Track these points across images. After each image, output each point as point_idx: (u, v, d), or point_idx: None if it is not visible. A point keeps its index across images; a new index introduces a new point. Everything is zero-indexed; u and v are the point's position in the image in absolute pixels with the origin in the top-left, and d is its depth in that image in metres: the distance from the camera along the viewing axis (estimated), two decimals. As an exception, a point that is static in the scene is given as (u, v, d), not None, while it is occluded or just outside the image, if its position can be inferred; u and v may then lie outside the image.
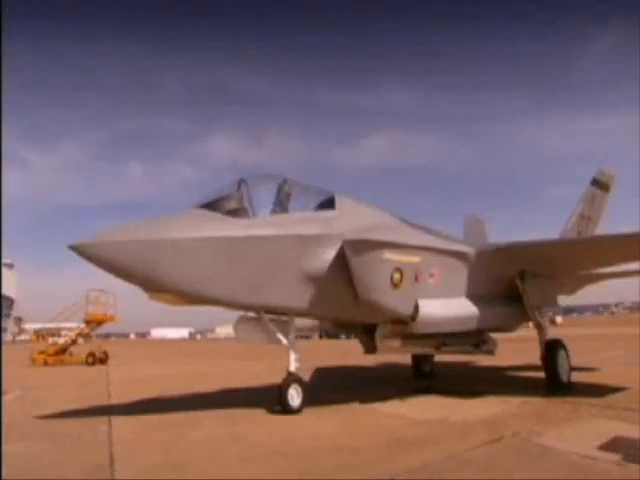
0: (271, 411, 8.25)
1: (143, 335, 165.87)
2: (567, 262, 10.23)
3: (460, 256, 9.15)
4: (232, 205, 7.91)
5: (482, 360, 16.25)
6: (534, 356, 13.92)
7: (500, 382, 11.77)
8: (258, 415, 8.17)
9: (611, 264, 11.22)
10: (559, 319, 68.65)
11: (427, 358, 13.12)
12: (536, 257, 9.55)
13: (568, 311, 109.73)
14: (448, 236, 10.01)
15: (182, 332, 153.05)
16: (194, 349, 46.15)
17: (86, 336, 25.15)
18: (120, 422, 7.96)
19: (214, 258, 7.30)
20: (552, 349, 9.75)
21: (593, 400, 8.08)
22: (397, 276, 8.11)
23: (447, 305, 8.73)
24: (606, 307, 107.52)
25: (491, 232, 14.86)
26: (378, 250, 7.87)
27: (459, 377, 13.30)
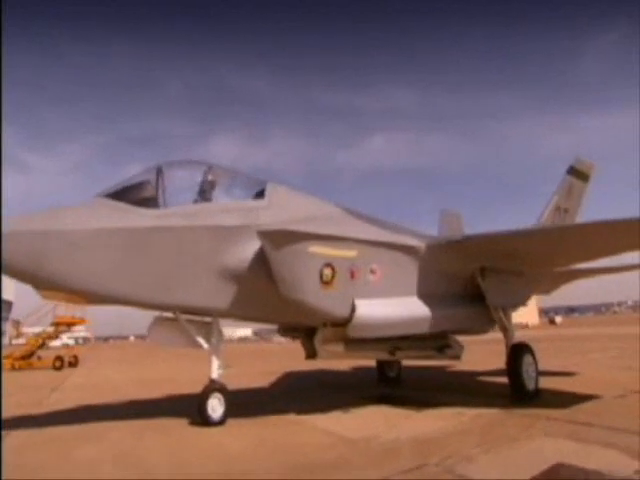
0: (194, 422, 7.51)
1: (143, 338, 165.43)
2: (535, 257, 9.09)
3: (407, 250, 8.07)
4: (141, 194, 7.07)
5: (465, 364, 15.26)
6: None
7: (468, 389, 10.73)
8: (176, 427, 7.48)
9: (590, 259, 10.07)
10: (558, 319, 67.88)
11: (392, 363, 12.08)
12: (496, 251, 8.46)
13: (570, 311, 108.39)
14: (400, 228, 8.92)
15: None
16: (183, 351, 45.16)
17: (53, 339, 24.26)
18: (14, 437, 7.18)
19: (113, 252, 6.46)
20: (517, 354, 8.68)
21: (555, 412, 7.05)
22: (328, 273, 7.10)
23: (392, 305, 7.69)
24: (608, 306, 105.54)
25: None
26: (302, 243, 6.87)
27: (426, 383, 12.25)
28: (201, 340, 7.71)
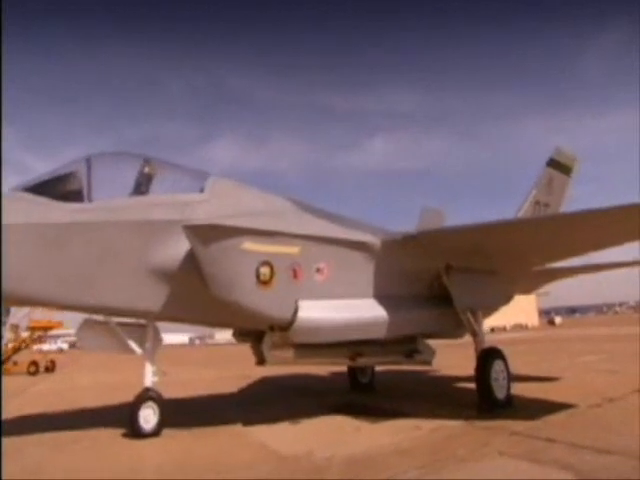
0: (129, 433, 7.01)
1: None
2: (506, 254, 8.33)
3: (360, 247, 7.33)
4: (65, 187, 6.53)
5: (449, 369, 14.60)
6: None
7: (441, 396, 10.00)
8: (106, 439, 7.00)
9: (570, 255, 9.32)
10: (558, 319, 67.06)
11: (364, 368, 11.37)
12: (460, 248, 7.72)
13: (571, 311, 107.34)
14: (358, 224, 8.15)
15: (182, 338, 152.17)
16: (174, 355, 44.51)
17: (29, 344, 23.62)
18: None
19: (29, 250, 5.91)
20: (486, 360, 7.94)
21: (521, 425, 6.33)
22: (265, 271, 6.42)
23: (342, 308, 6.99)
24: (610, 307, 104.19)
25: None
26: (234, 238, 6.22)
27: (399, 390, 11.51)
28: (133, 345, 7.15)
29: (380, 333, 7.38)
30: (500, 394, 7.73)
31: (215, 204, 6.98)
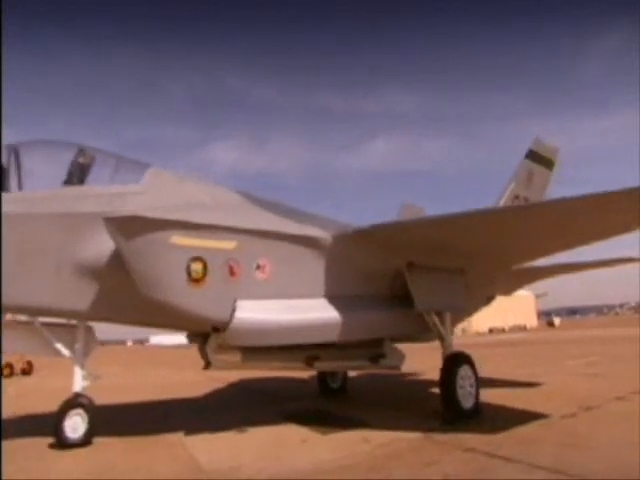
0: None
1: (142, 342, 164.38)
2: (477, 251, 7.63)
3: (307, 242, 6.67)
4: None
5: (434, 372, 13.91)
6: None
7: (413, 403, 9.35)
8: (33, 448, 6.46)
9: (550, 252, 8.63)
10: (557, 321, 66.10)
11: (334, 372, 10.74)
12: (420, 243, 7.05)
13: (572, 312, 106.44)
14: (312, 218, 7.50)
15: (180, 339, 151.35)
16: (162, 356, 43.95)
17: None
18: None
19: None
20: (452, 366, 7.29)
21: (481, 440, 5.70)
22: (197, 268, 5.82)
23: (286, 308, 6.35)
24: (610, 308, 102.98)
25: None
26: (160, 232, 5.63)
27: (370, 396, 10.83)
28: (61, 347, 6.58)
29: (333, 336, 6.74)
30: (466, 403, 7.08)
31: (151, 196, 6.41)
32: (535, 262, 10.59)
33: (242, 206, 6.88)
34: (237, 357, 7.16)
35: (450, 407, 7.03)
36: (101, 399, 11.43)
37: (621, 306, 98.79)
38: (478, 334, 54.83)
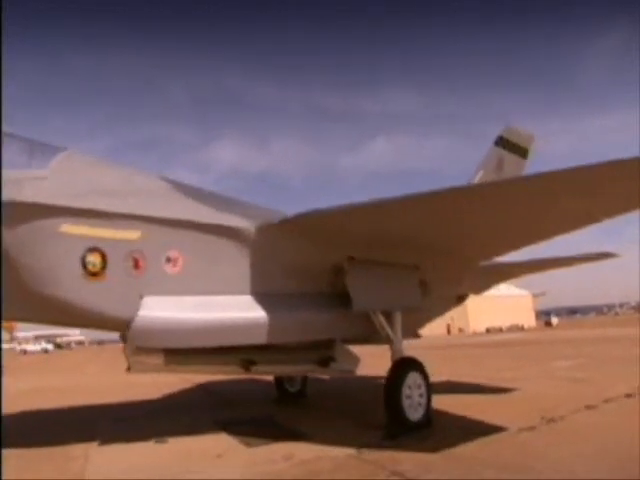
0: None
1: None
2: (429, 243, 6.73)
3: (226, 233, 5.88)
4: None
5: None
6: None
7: (370, 411, 8.55)
8: None
9: (520, 244, 7.74)
10: (555, 320, 65.23)
11: (292, 376, 9.97)
12: (360, 235, 6.23)
13: (572, 312, 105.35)
14: (240, 206, 6.72)
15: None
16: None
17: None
18: None
19: None
20: (398, 373, 6.48)
21: (412, 460, 4.92)
22: (95, 260, 5.07)
23: (204, 306, 5.59)
24: (610, 307, 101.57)
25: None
26: (49, 219, 4.90)
27: (334, 400, 10.07)
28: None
29: (260, 338, 5.96)
30: (414, 414, 6.27)
31: (55, 182, 5.61)
32: (509, 258, 9.84)
33: (159, 193, 6.10)
34: (159, 359, 6.42)
35: (395, 419, 6.24)
36: (41, 403, 10.91)
37: (621, 306, 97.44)
38: (475, 334, 54.06)
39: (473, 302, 66.45)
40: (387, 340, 6.88)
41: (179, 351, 6.45)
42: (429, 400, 6.54)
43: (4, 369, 20.36)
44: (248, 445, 5.95)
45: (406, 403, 6.22)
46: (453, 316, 60.98)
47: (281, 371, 8.07)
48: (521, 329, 57.89)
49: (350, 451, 5.43)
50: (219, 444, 6.11)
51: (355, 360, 7.30)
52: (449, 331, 59.86)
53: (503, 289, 70.69)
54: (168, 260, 5.48)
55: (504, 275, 10.18)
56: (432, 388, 6.69)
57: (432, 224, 6.21)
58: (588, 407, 7.11)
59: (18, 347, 75.24)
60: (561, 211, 5.50)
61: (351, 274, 6.30)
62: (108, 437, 6.64)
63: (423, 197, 5.12)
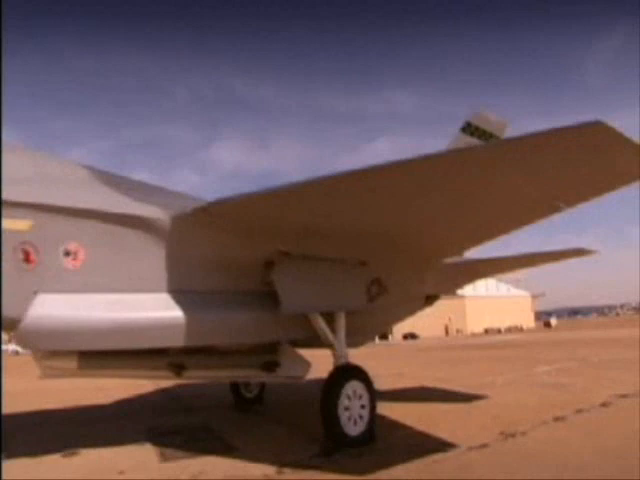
0: None
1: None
2: (374, 234, 5.89)
3: (137, 223, 5.11)
4: None
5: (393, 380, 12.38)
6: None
7: (313, 424, 7.87)
8: None
9: (488, 236, 6.93)
10: (554, 321, 64.43)
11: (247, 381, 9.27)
12: (289, 225, 5.46)
13: (573, 313, 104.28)
14: (163, 195, 6.01)
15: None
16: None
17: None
18: None
19: None
20: (336, 382, 5.74)
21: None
22: None
23: (108, 304, 4.88)
24: (612, 308, 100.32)
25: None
26: None
27: (295, 408, 9.36)
28: None
29: (176, 340, 5.22)
30: (353, 429, 5.55)
31: None
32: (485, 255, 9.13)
33: (66, 181, 5.39)
34: (72, 364, 5.77)
35: (331, 433, 5.52)
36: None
37: (622, 307, 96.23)
38: (474, 335, 53.41)
39: (472, 303, 65.91)
40: (328, 345, 6.16)
41: (95, 355, 5.79)
42: (372, 413, 5.81)
43: (4, 369, 19.81)
44: (163, 459, 5.33)
45: (344, 416, 5.50)
46: (451, 317, 60.46)
47: (218, 377, 7.38)
48: (520, 330, 57.19)
49: (270, 470, 4.76)
50: (132, 458, 5.46)
51: (304, 365, 6.54)
52: (447, 332, 59.20)
53: (503, 290, 70.21)
54: (67, 253, 4.78)
55: (476, 273, 9.43)
56: (376, 399, 5.95)
57: (367, 209, 5.25)
58: (556, 419, 6.41)
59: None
60: (514, 194, 4.74)
61: (280, 270, 5.56)
62: (20, 450, 5.95)
63: (352, 175, 4.34)
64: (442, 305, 56.17)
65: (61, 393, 12.30)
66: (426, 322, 53.66)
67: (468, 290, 62.25)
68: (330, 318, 6.13)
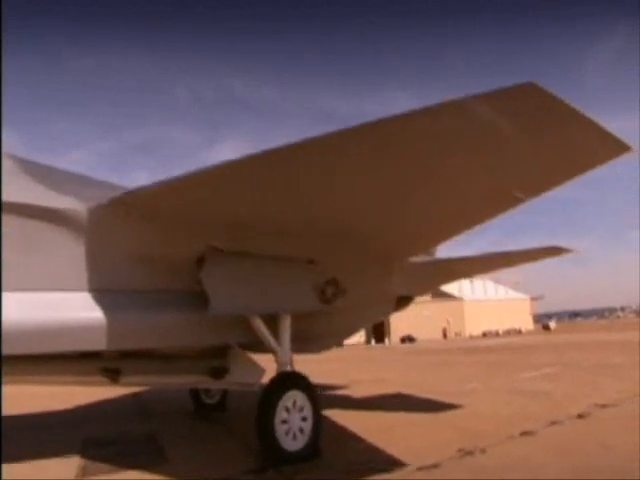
0: None
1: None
2: (319, 230, 5.37)
3: (49, 216, 4.57)
4: None
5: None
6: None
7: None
8: None
9: (436, 234, 6.31)
10: (552, 324, 63.64)
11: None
12: (218, 218, 4.93)
13: (573, 315, 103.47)
14: (89, 183, 5.50)
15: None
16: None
17: None
18: None
19: None
20: (273, 392, 5.21)
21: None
22: None
23: (17, 303, 4.37)
24: (612, 311, 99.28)
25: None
26: None
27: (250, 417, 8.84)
28: None
29: (99, 343, 4.70)
30: (292, 444, 5.00)
31: None
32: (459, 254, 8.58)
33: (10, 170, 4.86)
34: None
35: (266, 448, 5.00)
36: None
37: (622, 309, 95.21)
38: (472, 338, 52.78)
39: (470, 306, 65.19)
40: (270, 350, 5.62)
41: (18, 358, 5.26)
42: (317, 426, 5.27)
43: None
44: (82, 474, 4.87)
45: (281, 429, 4.96)
46: (449, 320, 59.78)
47: (161, 383, 6.87)
48: (519, 333, 56.48)
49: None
50: (48, 472, 4.96)
51: (256, 371, 6.00)
52: (445, 335, 58.52)
53: (501, 293, 69.47)
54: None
55: (451, 273, 8.85)
56: (321, 410, 5.43)
57: (296, 198, 4.69)
58: (523, 433, 5.85)
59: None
60: (461, 178, 4.14)
61: (209, 268, 5.02)
62: None
63: (266, 156, 3.71)
64: (441, 308, 55.49)
65: (26, 398, 11.80)
66: (425, 325, 53.10)
67: (467, 293, 61.78)
68: (272, 321, 5.60)
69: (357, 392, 10.90)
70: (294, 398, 5.16)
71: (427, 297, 57.40)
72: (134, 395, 11.74)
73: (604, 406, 7.31)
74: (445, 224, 5.62)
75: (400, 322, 50.96)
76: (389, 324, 52.31)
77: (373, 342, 51.19)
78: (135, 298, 4.98)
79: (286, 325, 5.64)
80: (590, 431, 5.92)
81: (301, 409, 5.19)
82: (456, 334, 59.70)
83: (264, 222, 4.99)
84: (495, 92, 2.59)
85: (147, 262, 5.03)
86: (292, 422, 5.08)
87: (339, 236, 5.68)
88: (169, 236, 4.95)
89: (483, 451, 5.17)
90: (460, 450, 5.22)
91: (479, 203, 4.77)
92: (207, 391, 8.87)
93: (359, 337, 50.28)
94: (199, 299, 5.31)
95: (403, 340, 51.98)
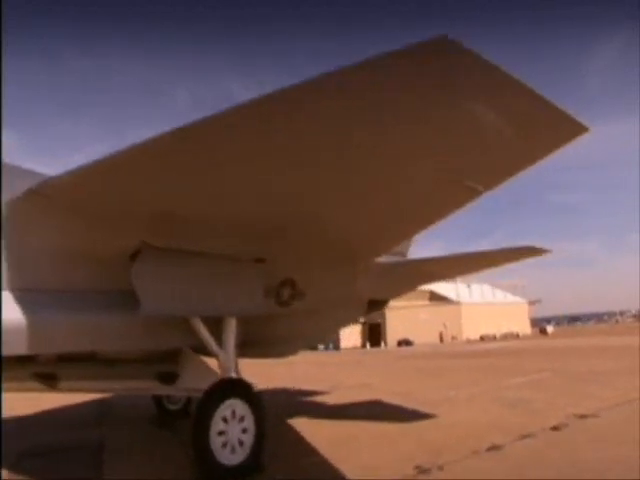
0: None
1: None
2: (265, 226, 4.88)
3: None
4: None
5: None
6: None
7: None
8: None
9: (397, 230, 5.84)
10: (550, 328, 62.94)
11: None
12: (155, 210, 4.39)
13: (572, 319, 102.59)
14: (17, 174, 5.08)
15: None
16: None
17: None
18: None
19: None
20: (210, 400, 4.73)
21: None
22: None
23: None
24: (611, 315, 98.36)
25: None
26: None
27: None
28: None
29: (20, 347, 4.29)
30: (230, 458, 4.55)
31: None
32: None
33: None
34: None
35: (201, 461, 4.56)
36: None
37: (621, 314, 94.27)
38: (469, 341, 52.24)
39: (468, 310, 64.79)
40: (213, 354, 5.20)
41: None
42: (259, 439, 4.84)
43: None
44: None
45: (217, 441, 4.52)
46: (446, 323, 59.25)
47: (105, 388, 6.46)
48: (516, 337, 55.84)
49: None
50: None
51: (210, 377, 5.61)
52: (441, 339, 57.99)
53: (499, 297, 68.93)
54: None
55: (427, 274, 8.40)
56: (265, 421, 4.97)
57: (223, 189, 4.13)
58: (491, 448, 5.40)
59: None
60: (401, 166, 3.67)
61: (140, 265, 4.58)
62: None
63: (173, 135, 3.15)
64: (438, 312, 55.03)
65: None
66: (422, 328, 52.59)
67: (464, 297, 61.24)
68: (215, 324, 5.17)
69: (335, 399, 10.46)
70: (233, 407, 4.72)
71: (424, 301, 57.04)
72: (102, 400, 11.32)
73: (583, 417, 6.86)
74: (398, 218, 5.15)
75: (397, 325, 50.56)
76: (385, 327, 51.83)
77: (368, 346, 50.67)
78: (60, 298, 4.55)
79: (230, 328, 5.21)
80: (562, 445, 5.47)
81: (241, 419, 4.75)
82: (453, 338, 59.12)
83: (198, 215, 4.53)
84: (405, 49, 2.15)
85: (73, 259, 4.60)
86: (230, 434, 4.64)
87: (291, 234, 5.26)
88: (96, 230, 4.52)
89: (441, 468, 4.73)
90: (417, 467, 4.80)
91: (430, 195, 4.34)
92: (169, 397, 8.45)
93: (355, 340, 49.83)
94: (134, 299, 4.88)
95: (400, 343, 51.48)
